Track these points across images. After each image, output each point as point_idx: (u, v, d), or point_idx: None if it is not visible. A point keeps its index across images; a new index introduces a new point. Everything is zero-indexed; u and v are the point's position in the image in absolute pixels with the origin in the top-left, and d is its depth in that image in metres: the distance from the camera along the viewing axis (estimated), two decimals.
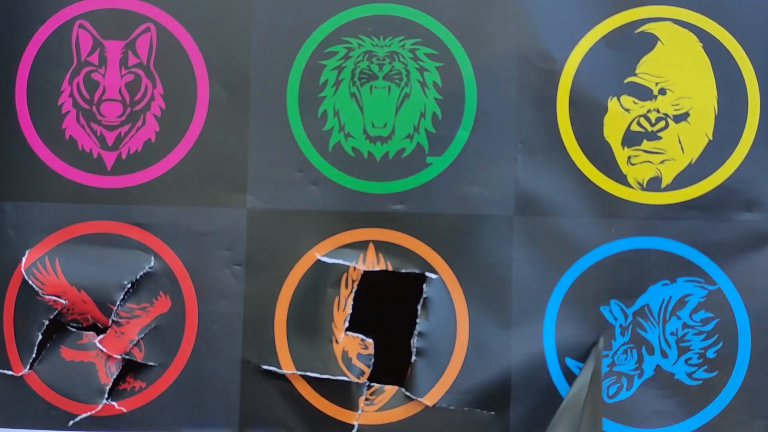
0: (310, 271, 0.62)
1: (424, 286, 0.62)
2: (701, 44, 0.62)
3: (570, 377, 0.61)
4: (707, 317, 0.62)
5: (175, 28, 0.63)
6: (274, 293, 0.62)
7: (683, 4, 0.62)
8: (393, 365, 0.62)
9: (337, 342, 0.62)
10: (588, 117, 0.62)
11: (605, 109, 0.62)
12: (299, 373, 0.61)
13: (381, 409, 0.62)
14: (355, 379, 0.61)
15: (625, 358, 0.61)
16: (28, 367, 0.63)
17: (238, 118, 0.63)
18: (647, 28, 0.62)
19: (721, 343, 0.62)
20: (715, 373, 0.62)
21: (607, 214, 0.62)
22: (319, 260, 0.62)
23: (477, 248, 0.62)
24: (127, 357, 0.62)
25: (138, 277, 0.62)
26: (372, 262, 0.62)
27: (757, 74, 0.62)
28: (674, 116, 0.62)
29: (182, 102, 0.63)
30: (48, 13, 0.64)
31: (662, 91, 0.62)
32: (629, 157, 0.62)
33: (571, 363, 0.61)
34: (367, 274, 0.62)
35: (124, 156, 0.63)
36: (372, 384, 0.62)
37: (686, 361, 0.62)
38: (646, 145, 0.62)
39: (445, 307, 0.62)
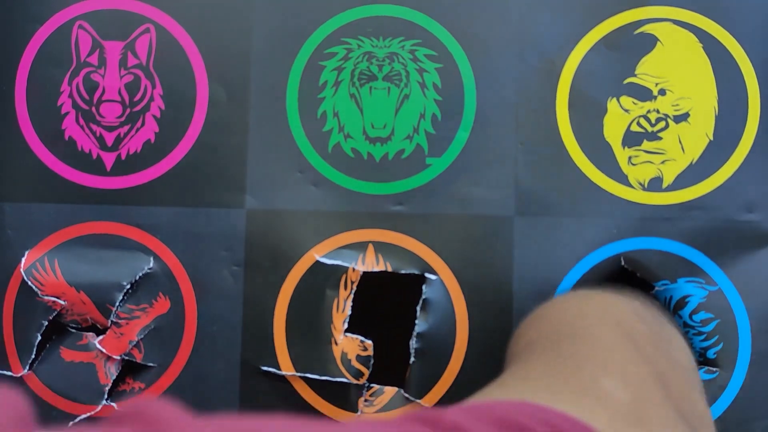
0: (309, 272, 0.62)
1: (424, 287, 0.61)
2: (701, 45, 0.62)
3: None
4: (707, 318, 0.61)
5: (175, 29, 0.63)
6: (273, 294, 0.62)
7: (683, 4, 0.62)
8: (392, 366, 0.62)
9: (336, 343, 0.61)
10: (588, 117, 0.62)
11: (605, 110, 0.62)
12: (298, 374, 0.61)
13: (380, 410, 0.61)
14: (354, 381, 0.61)
15: None
16: (27, 367, 0.62)
17: (238, 118, 0.62)
18: (647, 28, 0.62)
19: (721, 344, 0.61)
20: (716, 374, 0.61)
21: (609, 215, 0.62)
22: (318, 261, 0.61)
23: (477, 249, 0.62)
24: (126, 358, 0.62)
25: (137, 278, 0.62)
26: (371, 263, 0.62)
27: (757, 74, 0.61)
28: (674, 116, 0.62)
29: (182, 103, 0.62)
30: (48, 13, 0.63)
31: (662, 92, 0.62)
32: (630, 158, 0.62)
33: None
34: (366, 275, 0.62)
35: (123, 157, 0.62)
36: (372, 385, 0.61)
37: None
38: (646, 145, 0.62)
39: (444, 308, 0.61)
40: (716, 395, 0.61)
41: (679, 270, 0.61)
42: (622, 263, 0.61)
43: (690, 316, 0.61)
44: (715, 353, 0.61)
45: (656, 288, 0.60)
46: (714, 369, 0.61)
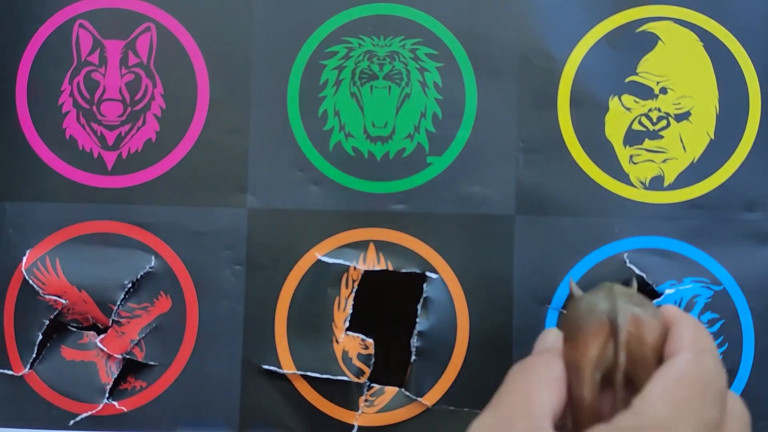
0: (310, 271, 0.62)
1: (425, 285, 0.61)
2: (702, 44, 0.62)
3: None
4: (713, 318, 0.61)
5: (176, 28, 0.63)
6: (275, 293, 0.62)
7: (684, 3, 0.62)
8: (394, 365, 0.62)
9: (337, 342, 0.61)
10: (589, 116, 0.62)
11: (606, 108, 0.62)
12: (299, 373, 0.61)
13: (381, 410, 0.61)
14: (355, 379, 0.61)
15: None
16: (28, 366, 0.62)
17: (239, 117, 0.62)
18: (648, 27, 0.62)
19: (726, 345, 0.61)
20: None
21: (610, 214, 0.62)
22: (319, 260, 0.61)
23: (478, 248, 0.62)
24: (128, 357, 0.62)
25: (138, 276, 0.62)
26: (372, 261, 0.62)
27: (758, 73, 0.61)
28: (676, 115, 0.62)
29: (182, 101, 0.62)
30: (48, 12, 0.63)
31: (663, 90, 0.62)
32: (631, 156, 0.62)
33: None
34: (367, 274, 0.62)
35: (124, 156, 0.62)
36: (372, 385, 0.61)
37: None
38: (647, 144, 0.62)
39: (445, 306, 0.61)
40: None
41: (685, 269, 0.61)
42: (627, 263, 0.61)
43: (698, 316, 0.61)
44: (720, 354, 0.61)
45: (666, 291, 0.60)
46: None
